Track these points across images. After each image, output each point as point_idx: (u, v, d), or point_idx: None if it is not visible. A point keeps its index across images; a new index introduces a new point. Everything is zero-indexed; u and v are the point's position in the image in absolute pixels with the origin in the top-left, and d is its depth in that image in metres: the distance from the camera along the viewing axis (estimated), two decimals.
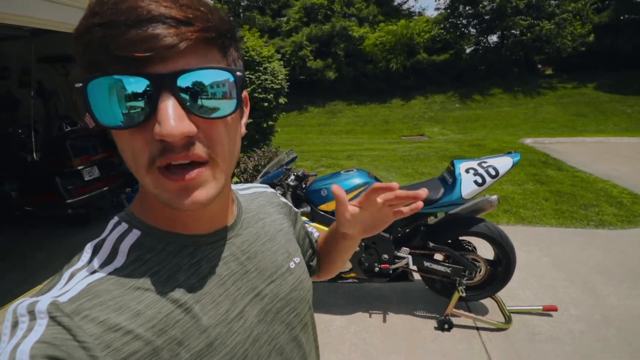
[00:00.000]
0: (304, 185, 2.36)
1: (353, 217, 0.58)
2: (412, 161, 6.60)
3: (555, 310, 2.26)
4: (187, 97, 0.33)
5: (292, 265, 0.56)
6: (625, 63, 13.95)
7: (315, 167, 6.48)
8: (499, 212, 4.02)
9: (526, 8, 13.81)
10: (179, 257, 0.42)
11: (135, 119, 0.33)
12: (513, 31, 14.42)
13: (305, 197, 2.28)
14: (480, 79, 15.18)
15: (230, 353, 0.42)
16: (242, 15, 17.24)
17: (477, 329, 2.19)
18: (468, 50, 16.35)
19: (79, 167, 3.81)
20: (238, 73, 0.37)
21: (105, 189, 4.09)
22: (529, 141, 7.87)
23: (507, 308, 2.26)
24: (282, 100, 5.94)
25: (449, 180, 2.08)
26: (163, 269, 0.41)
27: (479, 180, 1.97)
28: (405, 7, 19.61)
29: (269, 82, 5.49)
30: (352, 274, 2.28)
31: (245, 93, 0.44)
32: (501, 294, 2.35)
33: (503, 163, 1.99)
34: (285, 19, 15.87)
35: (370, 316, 2.35)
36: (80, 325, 0.33)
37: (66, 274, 0.38)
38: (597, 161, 5.87)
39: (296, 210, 0.69)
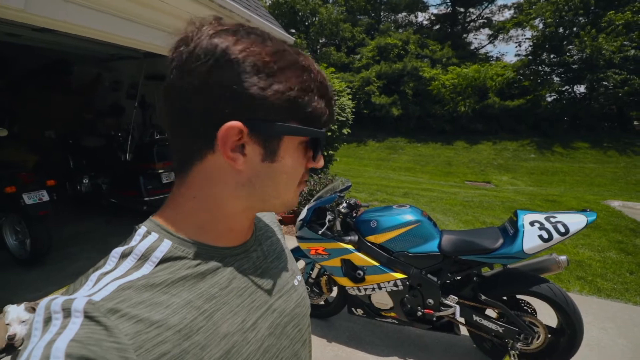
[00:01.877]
0: (354, 214, 2.38)
1: None
2: (474, 208, 6.21)
3: None
4: None
5: (295, 282, 0.59)
6: None
7: (368, 200, 6.44)
8: (571, 278, 3.55)
9: (622, 60, 12.63)
10: (204, 267, 0.45)
11: (313, 156, 0.48)
12: (605, 83, 13.18)
13: (355, 226, 2.29)
14: (563, 130, 13.98)
15: None
16: (318, 51, 18.47)
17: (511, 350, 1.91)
18: (549, 99, 15.27)
19: (160, 171, 4.32)
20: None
21: None
22: (616, 204, 6.91)
23: None
24: (345, 130, 6.13)
25: (510, 231, 1.93)
26: (189, 277, 0.43)
27: (545, 235, 1.80)
28: (483, 51, 19.24)
29: (336, 114, 5.74)
30: (393, 314, 2.19)
31: None
32: None
33: (575, 220, 1.80)
34: (358, 56, 16.59)
35: None
36: (117, 325, 0.34)
37: (93, 277, 0.39)
38: None
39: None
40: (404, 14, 19.86)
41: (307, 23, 20.50)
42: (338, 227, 2.22)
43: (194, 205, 0.46)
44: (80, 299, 0.34)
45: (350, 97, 6.37)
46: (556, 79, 15.00)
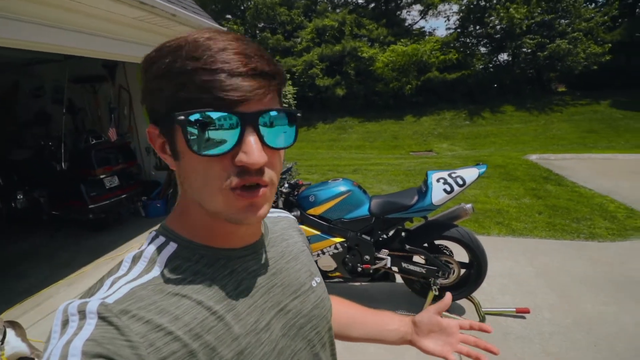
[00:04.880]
0: (296, 193, 2.63)
1: (434, 328, 0.70)
2: (415, 175, 6.79)
3: (528, 312, 2.41)
4: (263, 132, 0.40)
5: (314, 284, 0.58)
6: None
7: (321, 181, 6.75)
8: (491, 224, 4.16)
9: (536, 27, 14.02)
10: (212, 268, 0.45)
11: (221, 149, 0.38)
12: (524, 49, 14.57)
13: (297, 202, 2.55)
14: (492, 96, 15.31)
15: None
16: (258, 37, 18.10)
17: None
18: (479, 68, 16.58)
19: (102, 176, 4.22)
20: (298, 114, 0.45)
21: (123, 196, 4.48)
22: (534, 157, 7.92)
23: (482, 309, 2.42)
24: None
25: (423, 189, 2.31)
26: (198, 278, 0.44)
27: (448, 188, 2.19)
28: (416, 26, 20.12)
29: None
30: (337, 273, 2.51)
31: None
32: (480, 298, 2.51)
33: (470, 174, 2.21)
34: (298, 39, 16.57)
35: None
36: (128, 325, 0.36)
37: (108, 282, 0.41)
38: (600, 177, 5.90)
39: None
40: None
41: (242, 7, 19.88)
42: (280, 205, 2.46)
43: (183, 209, 0.48)
44: (94, 302, 0.37)
45: (290, 82, 6.51)
46: (482, 49, 16.29)
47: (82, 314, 0.36)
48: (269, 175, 0.41)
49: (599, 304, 2.54)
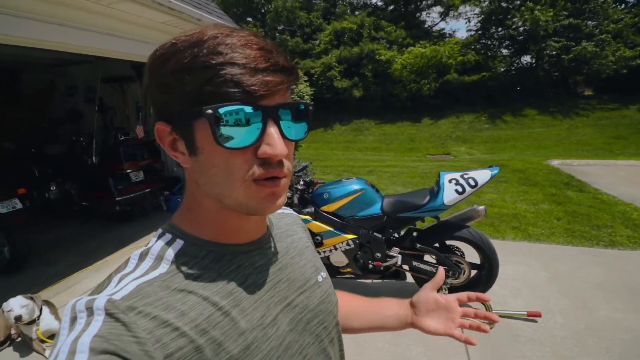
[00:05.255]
0: (310, 190, 2.73)
1: (432, 307, 0.68)
2: (431, 178, 6.76)
3: (539, 316, 2.41)
4: (282, 125, 0.41)
5: (319, 279, 0.59)
6: None
7: None
8: (507, 228, 4.12)
9: (561, 29, 13.65)
10: (218, 264, 0.46)
11: (245, 141, 0.39)
12: (547, 52, 14.20)
13: (311, 199, 2.64)
14: (514, 99, 14.98)
15: (264, 358, 0.44)
16: (277, 39, 18.38)
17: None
18: (501, 70, 16.26)
19: (128, 171, 4.47)
20: (310, 108, 0.46)
21: (147, 190, 4.72)
22: (555, 162, 7.73)
23: (493, 312, 2.43)
24: None
25: (435, 189, 2.35)
26: (204, 274, 0.44)
27: (460, 189, 2.23)
28: (436, 28, 19.91)
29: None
30: (348, 269, 2.58)
31: None
32: (492, 300, 2.50)
33: (482, 175, 2.24)
34: (317, 42, 16.73)
35: None
36: (135, 321, 0.36)
37: (115, 278, 0.42)
38: (625, 184, 5.72)
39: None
40: None
41: (263, 10, 20.24)
42: (296, 201, 2.56)
43: (190, 205, 0.48)
44: (101, 298, 0.37)
45: (307, 84, 6.63)
46: (504, 51, 15.96)
47: (90, 310, 0.36)
48: (287, 166, 0.43)
49: (613, 311, 2.50)
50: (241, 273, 0.47)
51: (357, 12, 18.64)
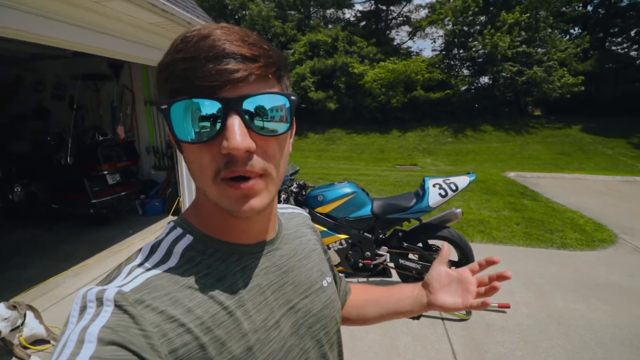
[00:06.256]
0: (304, 192, 2.86)
1: (445, 281, 0.64)
2: (403, 186, 7.15)
3: (508, 307, 2.70)
4: (249, 117, 0.38)
5: (324, 283, 0.58)
6: (608, 109, 15.01)
7: None
8: (474, 232, 4.50)
9: (516, 54, 15.01)
10: (225, 263, 0.46)
11: (206, 135, 0.38)
12: (504, 74, 15.55)
13: (305, 201, 2.78)
14: (473, 116, 16.13)
15: None
16: None
17: (442, 319, 2.61)
18: (463, 89, 17.49)
19: (105, 172, 4.31)
20: (292, 98, 0.42)
21: (123, 193, 4.56)
22: (511, 174, 8.47)
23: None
24: None
25: (420, 193, 2.59)
26: (212, 272, 0.44)
27: (443, 193, 2.48)
28: (404, 46, 21.01)
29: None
30: (340, 268, 2.73)
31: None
32: None
33: (462, 181, 2.52)
34: (291, 51, 16.99)
35: None
36: (143, 314, 0.36)
37: (125, 269, 0.42)
38: (572, 195, 6.43)
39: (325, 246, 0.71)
40: (332, 10, 20.72)
41: (237, 16, 20.20)
42: (291, 203, 2.68)
43: (197, 201, 0.49)
44: (111, 289, 0.37)
45: None
46: (466, 71, 17.21)
47: (100, 301, 0.37)
48: (261, 165, 0.40)
49: (569, 302, 2.87)
50: (247, 274, 0.47)
51: (330, 26, 19.21)
